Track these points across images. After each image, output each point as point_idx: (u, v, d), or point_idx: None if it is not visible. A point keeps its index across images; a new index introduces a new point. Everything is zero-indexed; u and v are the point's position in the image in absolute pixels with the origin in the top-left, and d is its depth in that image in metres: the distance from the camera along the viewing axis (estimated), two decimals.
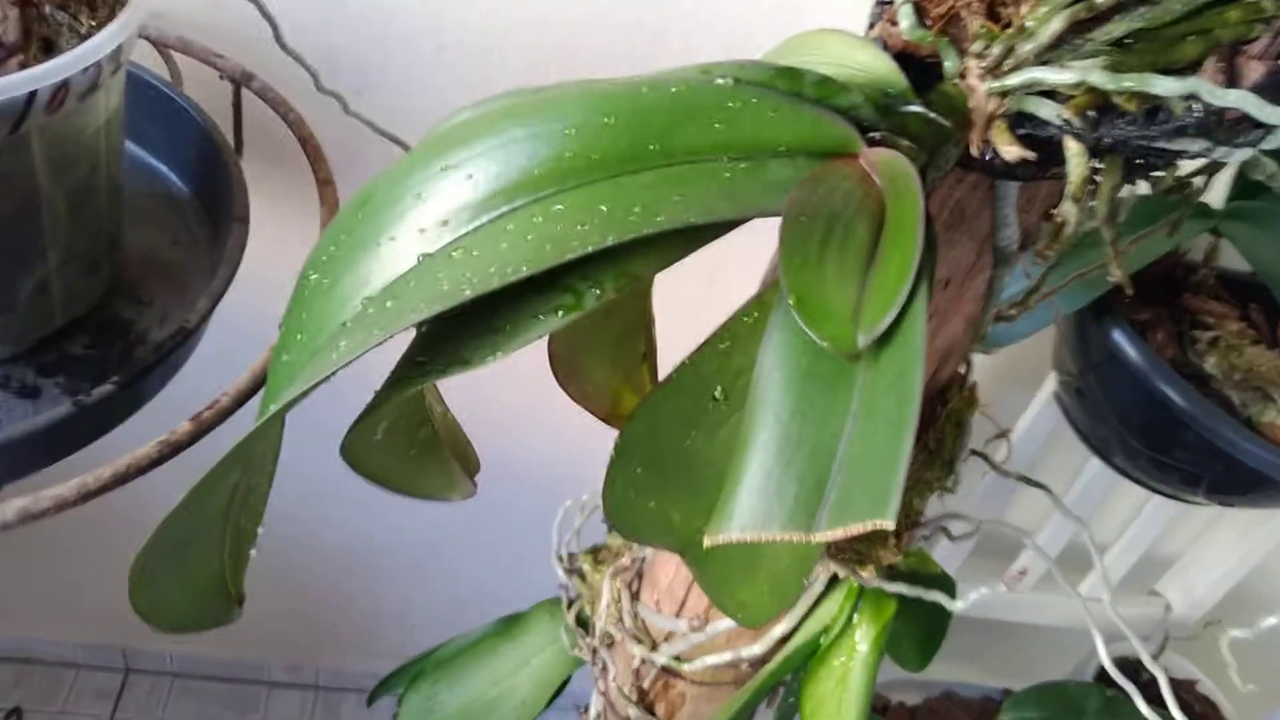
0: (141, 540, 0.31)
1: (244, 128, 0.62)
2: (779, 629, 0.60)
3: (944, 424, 0.49)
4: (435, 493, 0.37)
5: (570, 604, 0.76)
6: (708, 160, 0.29)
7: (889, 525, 0.24)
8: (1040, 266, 0.52)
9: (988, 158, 0.33)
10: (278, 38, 0.55)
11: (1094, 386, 0.87)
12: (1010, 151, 0.31)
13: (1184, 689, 1.13)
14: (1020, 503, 1.18)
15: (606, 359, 0.40)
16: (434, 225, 0.29)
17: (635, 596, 0.65)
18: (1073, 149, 0.32)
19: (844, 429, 0.27)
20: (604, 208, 0.28)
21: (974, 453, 0.54)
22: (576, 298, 0.28)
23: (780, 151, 0.29)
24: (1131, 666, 1.18)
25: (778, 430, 0.27)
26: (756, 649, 0.61)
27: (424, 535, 1.29)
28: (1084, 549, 1.21)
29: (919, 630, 0.73)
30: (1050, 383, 0.98)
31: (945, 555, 1.15)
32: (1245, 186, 0.79)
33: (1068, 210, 0.30)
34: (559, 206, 0.28)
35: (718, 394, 0.37)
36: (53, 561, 1.31)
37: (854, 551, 0.52)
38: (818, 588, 0.57)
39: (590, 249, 0.27)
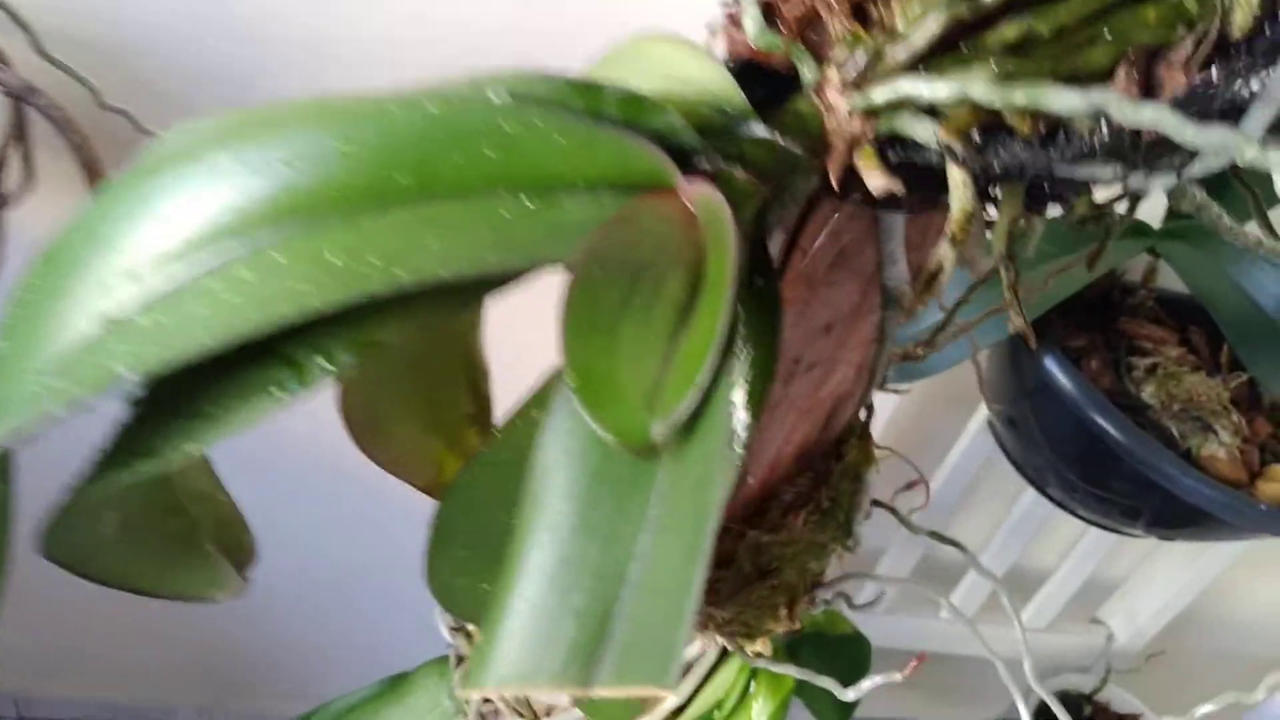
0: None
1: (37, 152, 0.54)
2: (670, 702, 0.54)
3: (839, 480, 0.43)
4: (191, 591, 0.31)
5: (460, 662, 0.69)
6: (482, 197, 0.23)
7: (666, 694, 0.18)
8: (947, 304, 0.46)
9: (851, 191, 0.27)
10: (37, 46, 0.47)
11: (1027, 416, 0.82)
12: (877, 182, 0.25)
13: None
14: (962, 521, 1.13)
15: (419, 419, 0.33)
16: (122, 282, 0.22)
17: None
18: (955, 177, 0.26)
19: (635, 546, 0.21)
20: (334, 259, 0.22)
21: (879, 504, 0.48)
22: (297, 371, 0.22)
23: (578, 186, 0.23)
24: (1074, 700, 1.14)
25: (555, 550, 0.21)
26: None
27: (334, 577, 1.21)
28: (1028, 574, 1.16)
29: (836, 676, 0.67)
30: (983, 410, 0.93)
31: (877, 587, 1.10)
32: None
33: (943, 254, 0.24)
34: (277, 258, 0.22)
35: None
36: None
37: (740, 624, 0.46)
38: (709, 658, 0.51)
39: (303, 315, 0.20)
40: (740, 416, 0.26)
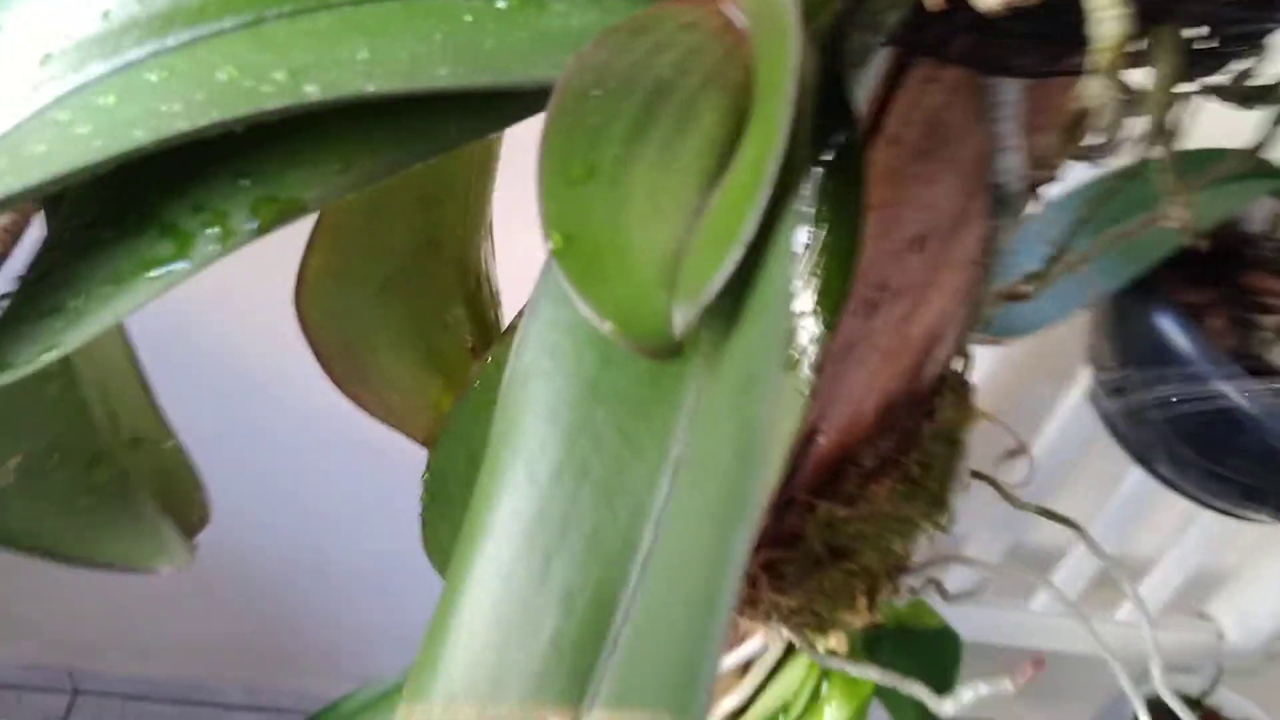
0: None
1: None
2: (728, 702, 0.47)
3: (930, 443, 0.36)
4: (125, 559, 0.25)
5: None
6: None
7: None
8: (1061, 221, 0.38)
9: (953, 30, 0.19)
10: None
11: (1136, 383, 0.73)
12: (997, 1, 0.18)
13: None
14: (1055, 503, 1.03)
15: (410, 351, 0.27)
16: None
17: None
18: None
19: (650, 499, 0.14)
20: (224, 75, 0.15)
21: (978, 476, 0.41)
22: (180, 243, 0.15)
23: None
24: (1160, 709, 1.04)
25: (531, 501, 0.14)
26: None
27: (383, 554, 1.17)
28: (1128, 563, 1.07)
29: (921, 678, 0.60)
30: (1085, 378, 0.83)
31: (972, 574, 1.01)
32: None
33: (1092, 89, 0.17)
34: (147, 77, 0.15)
35: None
36: None
37: (810, 614, 0.38)
38: (774, 653, 0.44)
39: (160, 143, 0.14)
40: (809, 327, 0.19)
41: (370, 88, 0.14)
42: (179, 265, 0.15)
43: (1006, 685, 0.33)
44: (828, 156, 0.18)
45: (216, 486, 0.30)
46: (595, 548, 0.13)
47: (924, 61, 0.25)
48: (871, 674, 0.38)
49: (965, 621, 1.01)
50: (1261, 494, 0.72)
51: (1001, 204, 0.28)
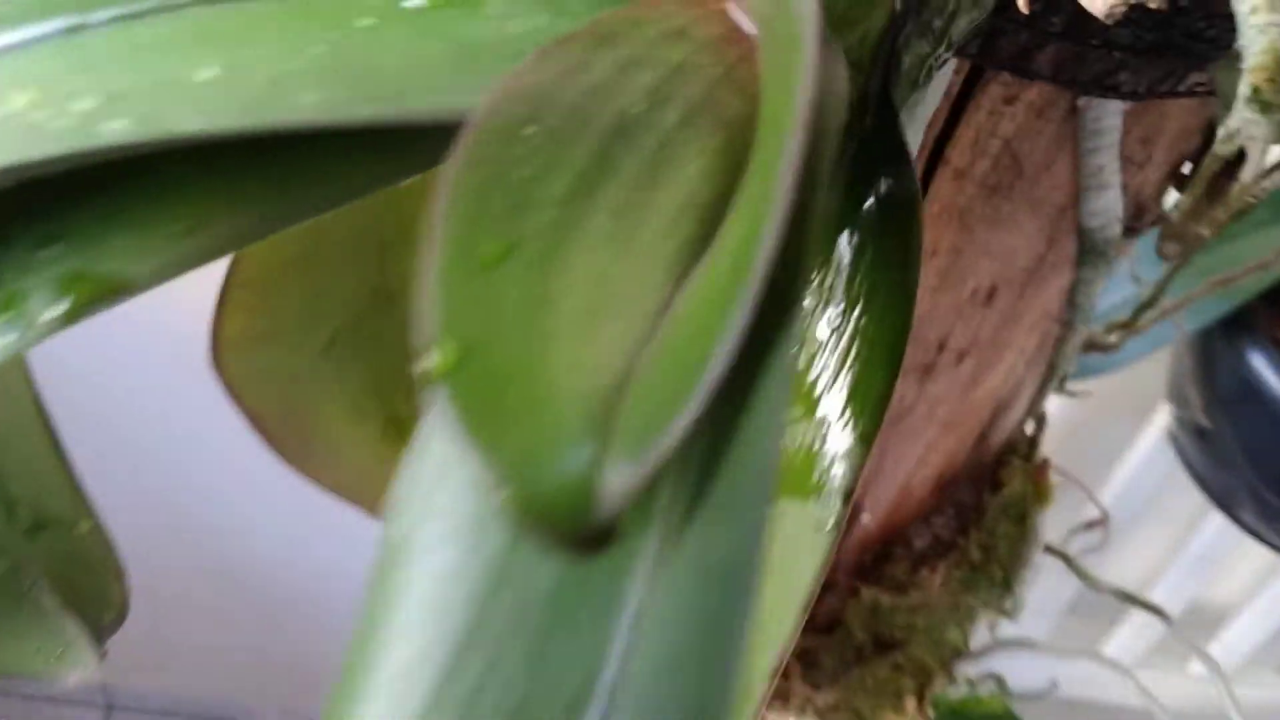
0: None
1: None
2: None
3: (994, 521, 0.30)
4: (17, 667, 0.21)
5: None
6: None
7: None
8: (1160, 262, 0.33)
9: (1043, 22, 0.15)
10: None
11: (1222, 424, 0.67)
12: None
13: None
14: (1130, 547, 0.96)
15: (367, 419, 0.22)
16: None
17: None
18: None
19: None
20: (19, 103, 0.11)
21: (1049, 551, 0.36)
22: None
23: None
24: None
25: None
26: None
27: None
28: (1206, 612, 0.99)
29: None
30: (1164, 414, 0.77)
31: (1033, 618, 0.95)
32: None
33: (1241, 123, 0.12)
34: None
35: None
36: None
37: (850, 712, 0.33)
38: None
39: None
40: (842, 444, 0.14)
41: (193, 125, 0.10)
42: None
43: None
44: (869, 209, 0.13)
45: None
46: None
47: (1000, 78, 0.20)
48: None
49: (1019, 668, 0.95)
50: None
51: (1092, 252, 0.23)
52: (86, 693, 1.35)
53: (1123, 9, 0.13)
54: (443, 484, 0.10)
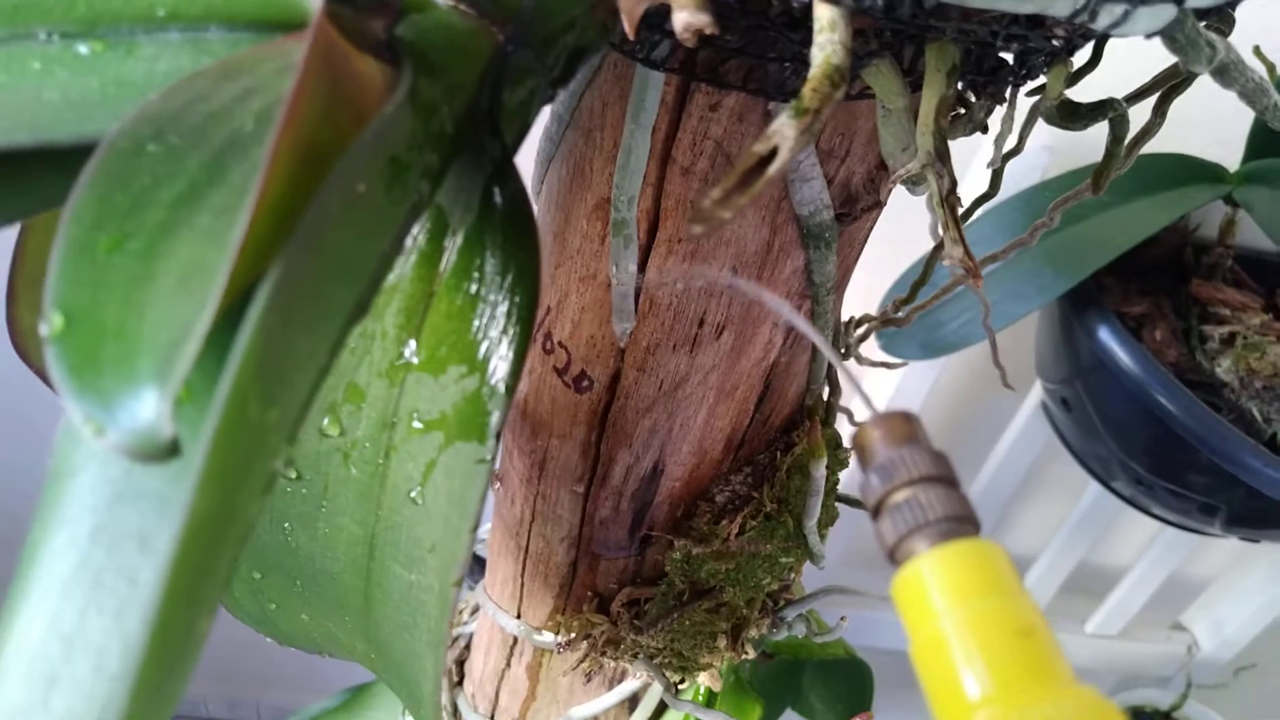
0: None
1: None
2: None
3: (788, 476, 0.34)
4: None
5: None
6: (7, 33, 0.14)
7: None
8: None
9: (649, 51, 0.18)
10: None
11: (1082, 397, 0.71)
12: (687, 20, 0.16)
13: None
14: (1021, 516, 1.01)
15: None
16: None
17: (459, 682, 0.51)
18: (821, 15, 0.17)
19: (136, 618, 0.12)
20: None
21: (846, 501, 0.39)
22: None
23: (168, 23, 0.15)
24: (1150, 717, 1.02)
25: (39, 619, 0.12)
26: None
27: None
28: (1097, 572, 1.04)
29: (840, 697, 0.58)
30: (1037, 390, 0.81)
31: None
32: (1267, 139, 0.62)
33: (779, 130, 0.15)
34: None
35: (289, 473, 0.22)
36: None
37: (673, 654, 0.37)
38: (657, 689, 0.42)
39: None
40: (497, 394, 0.18)
41: None
42: None
43: None
44: (496, 206, 0.17)
45: None
46: (99, 671, 0.12)
47: (704, 87, 0.23)
48: (688, 708, 0.37)
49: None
50: (1214, 509, 0.70)
51: (811, 236, 0.26)
52: None
53: (698, 34, 0.16)
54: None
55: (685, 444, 0.32)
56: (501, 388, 0.17)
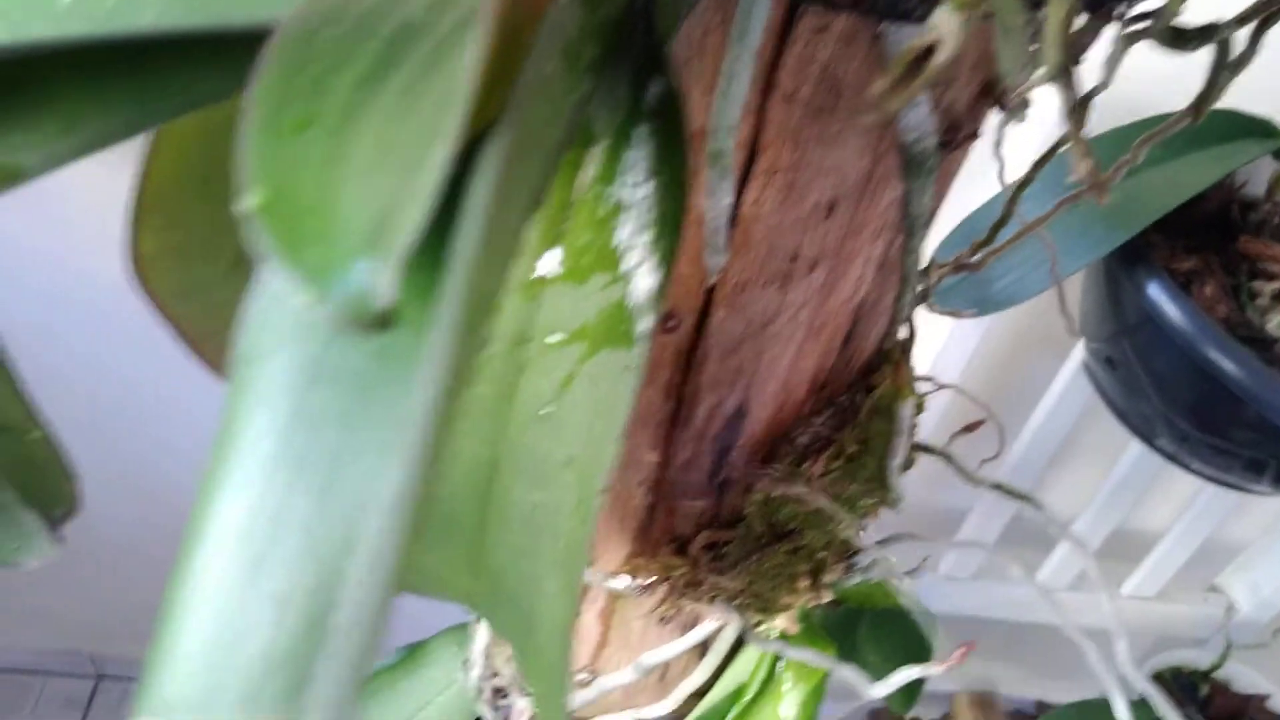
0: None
1: None
2: (690, 682, 0.46)
3: (869, 419, 0.34)
4: None
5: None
6: None
7: None
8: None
9: None
10: None
11: (1128, 355, 0.70)
12: None
13: (1253, 706, 0.96)
14: (1058, 478, 1.01)
15: None
16: None
17: None
18: None
19: (378, 490, 0.12)
20: None
21: (927, 450, 0.39)
22: None
23: None
24: (1188, 679, 1.02)
25: (249, 495, 0.12)
26: (662, 709, 0.47)
27: None
28: (1135, 535, 1.04)
29: (897, 651, 0.58)
30: (1076, 353, 0.81)
31: (964, 552, 1.00)
32: None
33: (941, 22, 0.15)
34: None
35: None
36: (4, 569, 1.21)
37: (753, 595, 0.37)
38: (730, 633, 0.42)
39: None
40: (644, 299, 0.17)
41: (53, 32, 0.13)
42: None
43: (935, 669, 0.32)
44: (648, 103, 0.16)
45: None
46: (309, 549, 0.12)
47: (812, 9, 0.23)
48: (806, 656, 0.37)
49: (966, 596, 0.99)
50: (1261, 465, 0.69)
51: (912, 164, 0.26)
52: (76, 663, 1.37)
53: None
54: (275, 306, 0.13)
55: (770, 385, 0.32)
56: (649, 295, 0.17)
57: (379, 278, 0.11)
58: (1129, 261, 0.64)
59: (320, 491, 0.12)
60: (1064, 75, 0.20)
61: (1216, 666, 0.95)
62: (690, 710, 0.47)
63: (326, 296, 0.11)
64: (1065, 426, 0.85)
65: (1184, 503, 0.95)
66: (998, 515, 0.95)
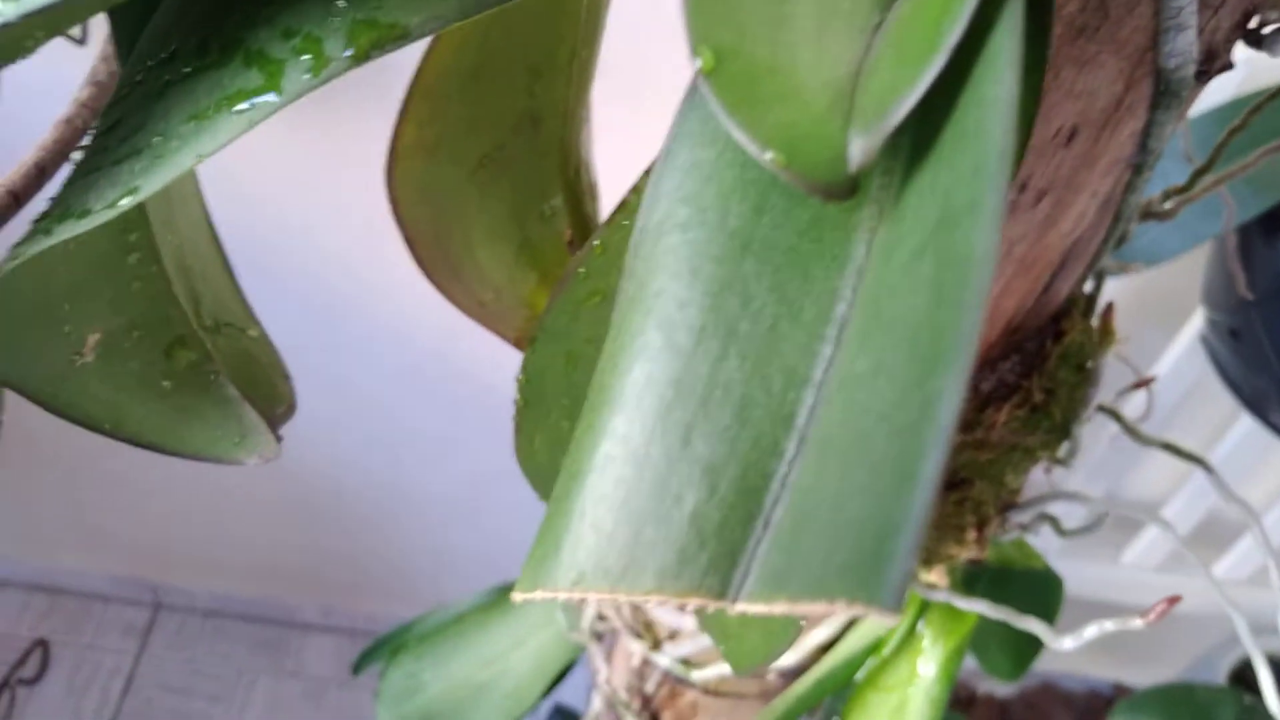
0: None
1: None
2: (819, 634, 0.45)
3: (1057, 367, 0.33)
4: (208, 449, 0.23)
5: None
6: None
7: (882, 615, 0.10)
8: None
9: None
10: None
11: (1255, 325, 0.68)
12: None
13: None
14: (1145, 462, 0.99)
15: (506, 242, 0.25)
16: None
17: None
18: None
19: (813, 364, 0.12)
20: None
21: (1100, 409, 0.38)
22: (268, 74, 0.14)
23: None
24: (1276, 667, 1.00)
25: (669, 365, 0.12)
26: (788, 659, 0.47)
27: (461, 478, 1.17)
28: (1223, 519, 1.02)
29: (1015, 631, 0.57)
30: (1196, 321, 0.79)
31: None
32: None
33: None
34: None
35: None
36: (75, 492, 1.25)
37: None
38: None
39: None
40: None
41: None
42: (267, 98, 0.14)
43: (1136, 622, 0.31)
44: None
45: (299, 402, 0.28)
46: (743, 418, 0.11)
47: None
48: (981, 608, 0.36)
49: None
50: None
51: (1166, 94, 0.25)
52: (135, 590, 1.41)
53: None
54: (691, 176, 0.12)
55: None
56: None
57: (858, 144, 0.11)
58: (1269, 227, 0.62)
59: (758, 360, 0.11)
60: None
61: None
62: (816, 662, 0.47)
63: (794, 159, 0.11)
64: (1171, 403, 0.83)
65: (1278, 487, 0.92)
66: (1093, 487, 0.94)
